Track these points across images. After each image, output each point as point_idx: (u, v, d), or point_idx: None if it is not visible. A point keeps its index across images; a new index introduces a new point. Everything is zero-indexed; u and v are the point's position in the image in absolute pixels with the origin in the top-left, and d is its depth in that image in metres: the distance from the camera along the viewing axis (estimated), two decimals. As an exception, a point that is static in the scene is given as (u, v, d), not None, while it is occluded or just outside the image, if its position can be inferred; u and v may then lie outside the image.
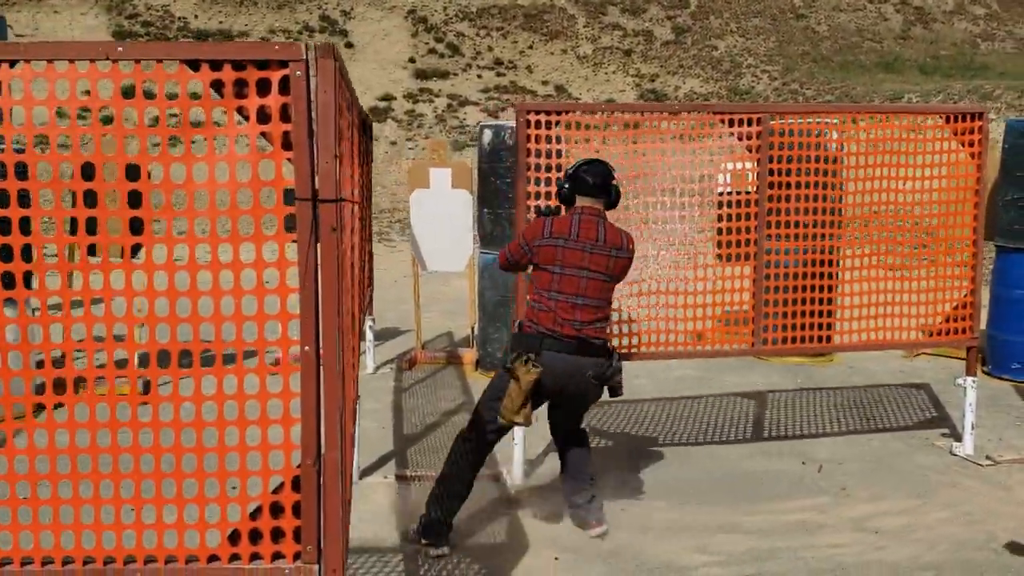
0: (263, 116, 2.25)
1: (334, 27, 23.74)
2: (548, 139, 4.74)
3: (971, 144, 5.30)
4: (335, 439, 2.36)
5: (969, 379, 5.43)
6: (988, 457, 5.35)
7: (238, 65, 2.20)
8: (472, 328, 7.90)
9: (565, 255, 4.01)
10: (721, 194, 5.23)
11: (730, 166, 5.39)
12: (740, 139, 5.06)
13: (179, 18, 23.56)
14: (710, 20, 26.86)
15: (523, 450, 4.92)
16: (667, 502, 4.70)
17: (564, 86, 23.51)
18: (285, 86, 2.22)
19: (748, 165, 5.31)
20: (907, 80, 24.39)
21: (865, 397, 6.75)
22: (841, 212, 5.37)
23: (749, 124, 5.01)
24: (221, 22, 23.36)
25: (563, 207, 4.25)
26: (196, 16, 23.70)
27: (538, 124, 4.70)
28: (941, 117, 5.36)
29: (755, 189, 5.11)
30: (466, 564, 4.01)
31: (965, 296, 5.42)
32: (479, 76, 23.73)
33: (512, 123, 6.86)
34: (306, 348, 2.31)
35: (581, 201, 4.13)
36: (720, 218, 5.13)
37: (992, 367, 7.34)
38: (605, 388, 4.19)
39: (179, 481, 2.33)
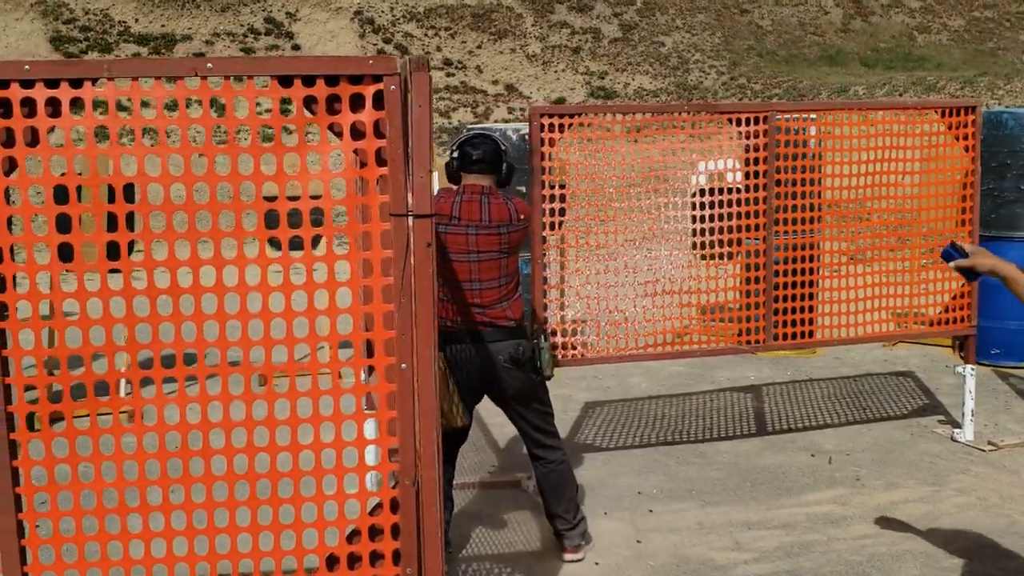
0: (355, 132, 2.20)
1: (279, 29, 23.42)
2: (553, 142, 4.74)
3: (965, 137, 5.43)
4: (431, 458, 2.31)
5: (968, 367, 5.56)
6: (990, 442, 5.48)
7: (331, 80, 2.15)
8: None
9: (448, 240, 3.76)
10: (695, 194, 5.22)
11: (710, 166, 5.42)
12: (747, 137, 5.10)
13: (119, 22, 23.01)
14: (656, 16, 27.12)
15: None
16: (693, 501, 4.73)
17: (515, 85, 23.54)
18: (378, 101, 2.18)
19: (730, 163, 5.37)
20: (851, 72, 24.93)
21: (856, 387, 6.88)
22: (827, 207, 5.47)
23: (756, 123, 5.06)
24: (163, 25, 22.88)
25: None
26: (137, 20, 23.18)
27: (551, 128, 4.68)
28: (936, 111, 5.48)
29: (762, 186, 5.15)
30: (508, 573, 3.98)
31: (963, 286, 5.55)
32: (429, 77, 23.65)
33: (497, 126, 6.86)
34: (403, 366, 2.26)
35: (467, 178, 3.85)
36: (710, 218, 5.10)
37: (973, 353, 7.52)
38: (540, 372, 3.87)
39: (275, 507, 2.27)
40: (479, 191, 3.82)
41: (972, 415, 5.57)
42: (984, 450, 5.40)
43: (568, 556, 4.07)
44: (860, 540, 4.26)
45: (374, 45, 23.96)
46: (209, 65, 2.12)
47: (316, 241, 2.27)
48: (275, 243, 2.23)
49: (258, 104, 2.16)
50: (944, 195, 5.51)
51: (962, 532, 4.31)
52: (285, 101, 2.20)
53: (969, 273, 2.82)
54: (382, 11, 25.12)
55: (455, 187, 3.92)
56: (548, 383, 4.01)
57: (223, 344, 2.21)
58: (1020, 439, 5.55)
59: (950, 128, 5.43)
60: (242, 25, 23.51)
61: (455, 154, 3.89)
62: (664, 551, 4.16)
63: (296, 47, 23.11)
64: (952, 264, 2.81)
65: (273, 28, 23.61)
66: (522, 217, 3.88)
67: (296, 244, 2.22)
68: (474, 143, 3.87)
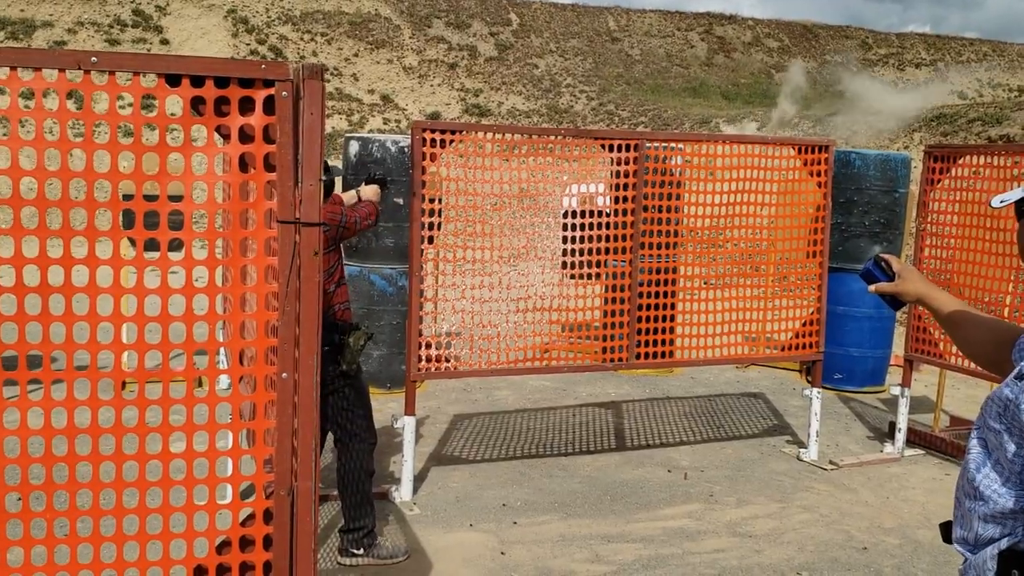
0: (244, 136, 2.18)
1: (148, 22, 22.53)
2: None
3: (819, 174, 5.79)
4: (308, 468, 2.30)
5: (815, 391, 5.91)
6: (831, 462, 5.84)
7: (221, 82, 2.13)
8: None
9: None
10: (565, 215, 5.38)
11: (581, 189, 5.58)
12: (618, 163, 5.28)
13: (-29, 3, 21.61)
14: (531, 38, 27.57)
15: (412, 467, 4.91)
16: (555, 514, 4.83)
17: (391, 96, 23.43)
18: (269, 106, 2.17)
19: (600, 187, 5.57)
20: (712, 105, 26.00)
21: (710, 406, 7.19)
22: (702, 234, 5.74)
23: (627, 150, 5.25)
24: (23, 10, 21.64)
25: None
26: (-9, 1, 21.82)
27: (433, 143, 4.72)
28: (792, 148, 5.82)
29: (630, 211, 5.34)
30: (372, 585, 3.97)
31: (812, 314, 5.91)
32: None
33: (378, 136, 6.86)
34: (284, 375, 2.25)
35: None
36: (579, 239, 5.26)
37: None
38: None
39: (142, 517, 2.21)
40: None
41: (816, 436, 5.92)
42: (826, 469, 5.75)
43: (338, 557, 4.20)
44: (713, 554, 4.46)
45: (247, 45, 23.37)
46: (94, 59, 2.06)
47: (177, 244, 2.22)
48: (148, 245, 2.18)
49: (118, 98, 2.11)
50: (797, 227, 5.86)
51: (805, 547, 4.57)
52: (147, 98, 2.15)
53: (892, 300, 2.26)
54: (257, 11, 24.54)
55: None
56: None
57: (93, 347, 2.14)
58: (858, 459, 5.94)
59: (805, 164, 5.78)
60: (108, 15, 22.48)
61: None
62: (528, 563, 4.24)
63: (165, 42, 22.29)
64: (873, 288, 2.25)
65: (141, 21, 22.67)
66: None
67: (156, 246, 2.17)
68: None
